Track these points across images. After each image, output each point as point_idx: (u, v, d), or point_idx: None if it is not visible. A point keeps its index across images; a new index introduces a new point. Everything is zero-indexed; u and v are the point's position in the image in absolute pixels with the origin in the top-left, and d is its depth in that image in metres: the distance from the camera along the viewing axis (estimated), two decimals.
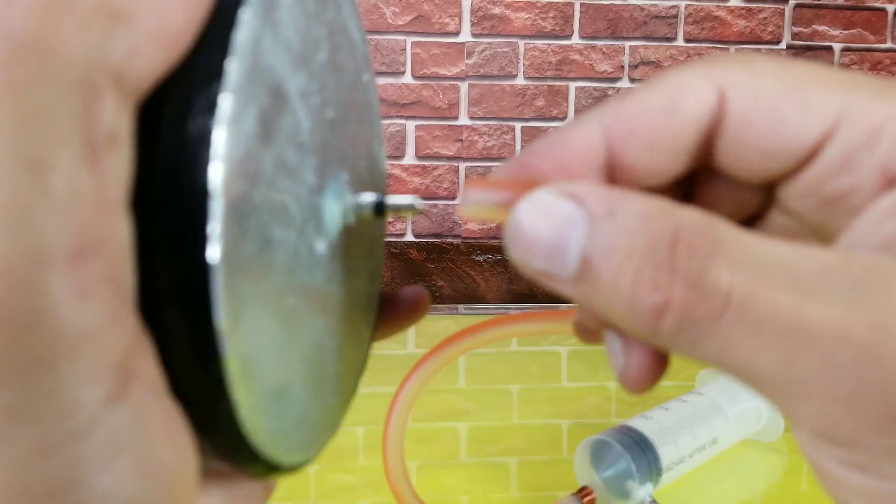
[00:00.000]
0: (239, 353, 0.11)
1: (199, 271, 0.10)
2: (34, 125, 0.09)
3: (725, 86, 0.14)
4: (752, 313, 0.11)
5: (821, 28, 0.97)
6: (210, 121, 0.10)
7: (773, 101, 0.14)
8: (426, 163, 0.94)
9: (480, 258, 0.91)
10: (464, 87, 0.93)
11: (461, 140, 0.94)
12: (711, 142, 0.15)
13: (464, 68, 0.93)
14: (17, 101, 0.09)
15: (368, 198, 0.16)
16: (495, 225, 0.86)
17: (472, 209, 0.14)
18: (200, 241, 0.10)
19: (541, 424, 0.49)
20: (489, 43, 0.93)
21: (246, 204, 0.11)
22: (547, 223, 0.12)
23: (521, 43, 0.93)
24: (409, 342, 0.63)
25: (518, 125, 0.95)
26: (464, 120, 0.94)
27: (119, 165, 0.10)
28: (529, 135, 0.95)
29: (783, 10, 0.96)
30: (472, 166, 0.95)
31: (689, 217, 0.12)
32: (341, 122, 0.16)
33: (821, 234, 0.15)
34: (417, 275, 0.90)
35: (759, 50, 0.96)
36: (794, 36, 0.96)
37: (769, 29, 0.96)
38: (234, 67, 0.11)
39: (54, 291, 0.09)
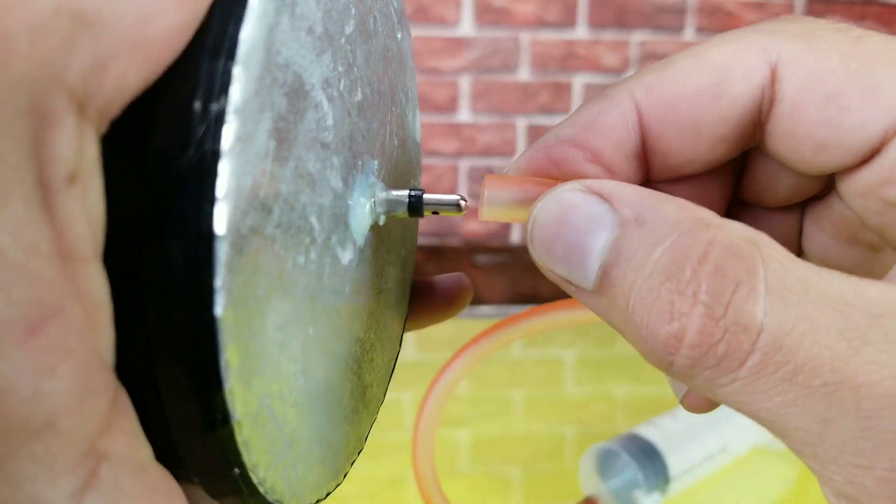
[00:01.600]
0: (250, 413, 0.10)
1: (203, 329, 0.09)
2: None
3: (780, 62, 0.12)
4: (786, 358, 0.09)
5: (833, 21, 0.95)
6: (211, 146, 0.08)
7: (834, 86, 0.12)
8: (425, 160, 0.92)
9: (481, 259, 0.90)
10: (464, 81, 0.92)
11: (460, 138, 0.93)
12: (761, 126, 0.13)
13: (464, 62, 0.91)
14: None
15: (403, 194, 0.14)
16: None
17: (492, 210, 0.12)
18: (203, 294, 0.08)
19: (544, 432, 0.48)
20: (491, 36, 0.91)
21: (257, 240, 0.09)
22: (570, 222, 0.11)
23: (525, 36, 0.92)
24: (409, 346, 0.62)
25: (521, 121, 0.93)
26: (464, 115, 0.93)
27: (84, 206, 0.08)
28: (532, 131, 0.94)
29: (793, 2, 0.94)
30: (473, 165, 0.94)
31: (728, 233, 0.10)
32: (371, 101, 0.14)
33: (884, 237, 0.13)
34: (417, 276, 0.88)
35: None
36: None
37: None
38: (241, 74, 0.09)
39: (7, 372, 0.07)
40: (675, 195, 0.12)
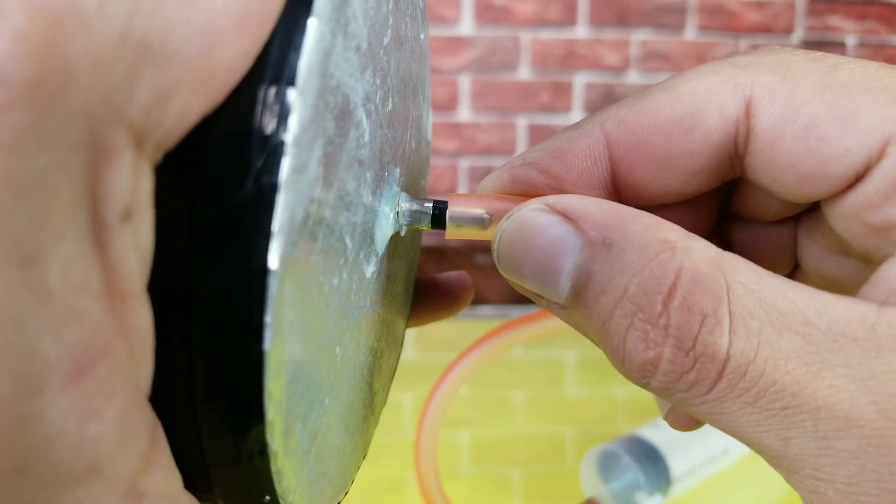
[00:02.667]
0: (285, 444, 0.09)
1: (248, 365, 0.08)
2: (24, 204, 0.07)
3: (753, 95, 0.12)
4: (749, 384, 0.10)
5: (834, 21, 0.95)
6: (269, 179, 0.08)
7: (811, 116, 0.11)
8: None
9: (482, 260, 0.90)
10: (464, 80, 0.92)
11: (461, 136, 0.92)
12: (740, 159, 0.13)
13: (464, 62, 0.91)
14: (1, 170, 0.06)
15: (426, 207, 0.13)
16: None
17: (455, 230, 0.13)
18: (254, 330, 0.08)
19: (545, 433, 0.48)
20: (491, 35, 0.91)
21: (303, 269, 0.09)
22: (536, 244, 0.11)
23: (525, 35, 0.91)
24: (408, 347, 0.61)
25: (521, 121, 0.93)
26: (464, 115, 0.92)
27: (135, 243, 0.08)
28: (533, 130, 0.93)
29: (795, 1, 0.94)
30: (473, 165, 0.93)
31: (693, 259, 0.10)
32: (399, 109, 0.14)
33: (869, 259, 0.13)
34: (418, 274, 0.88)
35: (769, 44, 0.94)
36: (807, 29, 0.95)
37: (781, 22, 0.94)
38: (298, 103, 0.08)
39: (53, 418, 0.07)
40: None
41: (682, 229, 0.11)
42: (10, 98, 0.06)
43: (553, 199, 0.12)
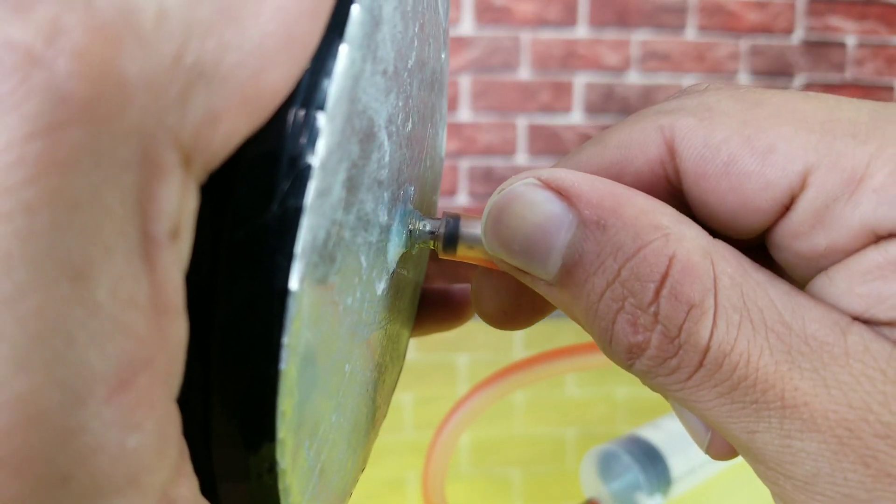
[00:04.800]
0: (294, 462, 0.10)
1: (264, 384, 0.09)
2: (76, 218, 0.07)
3: (674, 137, 0.12)
4: (725, 376, 0.10)
5: (834, 21, 0.95)
6: (295, 202, 0.08)
7: (730, 154, 0.11)
8: None
9: None
10: (464, 80, 0.92)
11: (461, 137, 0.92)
12: (680, 196, 0.13)
13: (464, 62, 0.91)
14: (56, 186, 0.06)
15: (437, 227, 0.13)
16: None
17: (465, 250, 0.13)
18: (271, 350, 0.08)
19: (545, 434, 0.48)
20: (491, 35, 0.91)
21: (321, 291, 0.09)
22: (528, 220, 0.11)
23: (525, 35, 0.91)
24: (409, 347, 0.61)
25: (521, 121, 0.93)
26: (464, 115, 0.92)
27: (179, 259, 0.08)
28: (533, 130, 0.93)
29: (795, 2, 0.94)
30: (474, 165, 0.93)
31: (686, 247, 0.11)
32: (418, 129, 0.14)
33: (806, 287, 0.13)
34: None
35: (769, 44, 0.94)
36: (808, 29, 0.95)
37: (781, 22, 0.94)
38: (327, 127, 0.08)
39: (96, 429, 0.07)
40: None
41: (676, 212, 0.11)
42: (69, 115, 0.07)
43: (546, 173, 0.12)
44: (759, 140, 0.11)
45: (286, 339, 0.08)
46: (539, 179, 0.11)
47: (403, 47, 0.11)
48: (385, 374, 0.15)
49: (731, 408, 0.11)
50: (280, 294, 0.08)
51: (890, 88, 0.98)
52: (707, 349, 0.10)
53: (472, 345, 0.65)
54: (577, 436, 0.48)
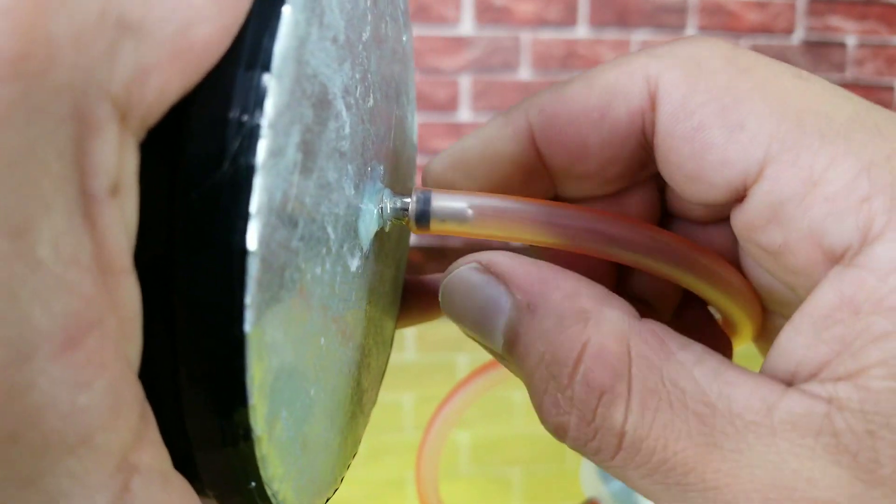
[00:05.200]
0: (269, 428, 0.09)
1: (229, 347, 0.08)
2: (12, 175, 0.07)
3: (659, 89, 0.12)
4: (643, 459, 0.11)
5: (834, 21, 0.95)
6: (246, 161, 0.08)
7: (701, 119, 0.11)
8: (426, 160, 0.92)
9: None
10: (464, 81, 0.92)
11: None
12: (650, 149, 0.13)
13: (464, 62, 0.91)
14: None
15: (408, 201, 0.13)
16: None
17: (437, 224, 0.13)
18: (232, 312, 0.08)
19: (545, 433, 0.48)
20: (491, 35, 0.91)
21: (283, 255, 0.09)
22: (472, 302, 0.12)
23: (525, 35, 0.91)
24: (408, 347, 0.62)
25: None
26: (464, 115, 0.92)
27: (123, 217, 0.08)
28: None
29: (795, 2, 0.94)
30: None
31: (602, 333, 0.11)
32: (381, 107, 0.14)
33: (774, 278, 0.12)
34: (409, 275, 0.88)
35: (769, 44, 0.94)
36: (808, 29, 0.95)
37: (781, 22, 0.94)
38: (275, 87, 0.08)
39: (44, 386, 0.07)
40: (600, 209, 0.13)
41: (603, 292, 0.12)
42: None
43: (486, 257, 0.12)
44: (732, 112, 0.11)
45: (249, 300, 0.08)
46: (480, 263, 0.12)
47: (355, 18, 0.12)
48: (370, 357, 0.15)
49: (656, 487, 0.11)
50: (239, 253, 0.08)
51: (890, 88, 0.98)
52: (623, 433, 0.11)
53: (472, 345, 0.64)
54: None
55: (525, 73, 0.92)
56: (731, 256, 0.14)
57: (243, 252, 0.08)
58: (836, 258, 0.10)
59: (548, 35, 0.92)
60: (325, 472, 0.13)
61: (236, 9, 0.08)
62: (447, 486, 0.41)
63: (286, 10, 0.09)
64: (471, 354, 0.65)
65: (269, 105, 0.08)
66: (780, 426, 0.10)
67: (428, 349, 0.61)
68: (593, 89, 0.13)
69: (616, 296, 0.12)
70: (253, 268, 0.08)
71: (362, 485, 0.40)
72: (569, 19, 0.92)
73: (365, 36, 0.12)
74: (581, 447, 0.11)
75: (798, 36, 0.95)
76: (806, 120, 0.11)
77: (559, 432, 0.11)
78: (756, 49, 0.83)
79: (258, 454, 0.09)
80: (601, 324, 0.11)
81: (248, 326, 0.08)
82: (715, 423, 0.10)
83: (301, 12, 0.09)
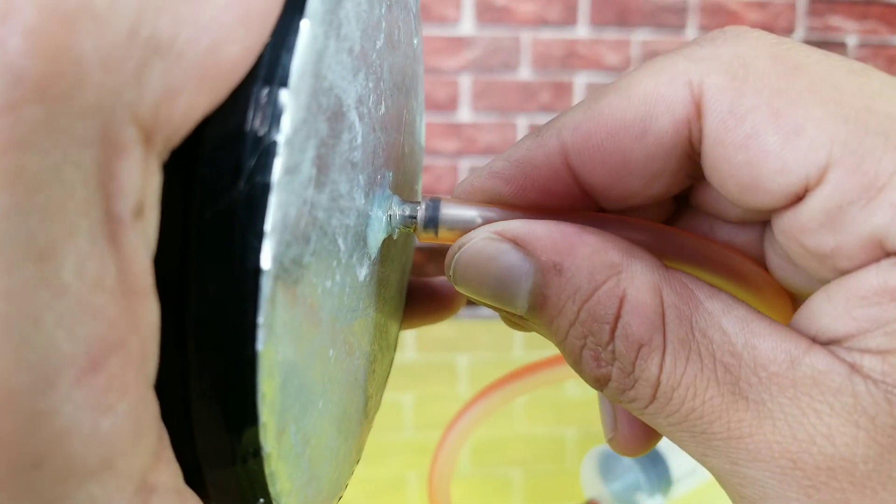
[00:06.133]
0: (278, 444, 0.09)
1: (242, 366, 0.08)
2: (38, 200, 0.07)
3: (703, 95, 0.11)
4: (674, 409, 0.11)
5: (835, 21, 0.95)
6: (262, 179, 0.08)
7: (755, 125, 0.11)
8: (425, 161, 0.92)
9: None
10: (465, 80, 0.92)
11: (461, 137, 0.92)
12: (696, 158, 0.12)
13: (464, 62, 0.91)
14: (15, 166, 0.06)
15: (417, 210, 0.13)
16: None
17: (445, 232, 0.13)
18: (245, 331, 0.08)
19: (546, 434, 0.48)
20: (492, 35, 0.91)
21: (296, 271, 0.09)
22: (491, 273, 0.12)
23: (525, 35, 0.91)
24: (408, 347, 0.62)
25: (522, 121, 0.93)
26: (465, 115, 0.92)
27: (146, 238, 0.08)
28: (534, 131, 0.93)
29: (796, 2, 0.94)
30: (474, 165, 0.93)
31: (636, 287, 0.11)
32: (391, 113, 0.14)
33: (811, 278, 0.13)
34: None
35: None
36: (809, 29, 0.95)
37: (782, 22, 0.94)
38: (291, 104, 0.08)
39: (68, 412, 0.07)
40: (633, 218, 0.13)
41: (627, 245, 0.12)
42: (23, 94, 0.06)
43: (501, 226, 0.12)
44: (787, 117, 0.11)
45: (261, 319, 0.08)
46: (495, 233, 0.12)
47: (370, 27, 0.11)
48: (375, 363, 0.15)
49: (684, 435, 0.11)
50: (252, 273, 0.08)
51: None
52: (658, 384, 0.11)
53: (472, 345, 0.64)
54: (577, 436, 0.48)
55: (525, 73, 0.92)
56: (758, 255, 0.14)
57: (257, 271, 0.08)
58: (891, 256, 0.10)
59: (548, 35, 0.92)
60: (331, 481, 0.13)
61: (262, 29, 0.08)
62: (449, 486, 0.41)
63: (304, 24, 0.09)
64: (471, 354, 0.65)
65: (286, 122, 0.08)
66: (802, 380, 0.10)
67: (428, 349, 0.61)
68: (631, 101, 0.12)
69: (639, 248, 0.12)
70: (266, 287, 0.08)
71: (362, 485, 0.40)
72: (569, 19, 0.91)
73: (379, 44, 0.12)
74: (618, 396, 0.12)
75: (798, 36, 0.95)
76: (867, 121, 0.10)
77: (599, 383, 0.12)
78: None
79: (267, 471, 0.09)
80: (635, 276, 0.11)
81: (260, 345, 0.08)
82: (741, 373, 0.11)
83: (319, 26, 0.09)
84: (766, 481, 0.10)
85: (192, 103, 0.08)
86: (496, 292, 0.12)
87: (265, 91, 0.08)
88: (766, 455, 0.10)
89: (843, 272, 0.11)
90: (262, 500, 0.10)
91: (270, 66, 0.08)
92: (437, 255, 0.89)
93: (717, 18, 0.93)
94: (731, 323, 0.11)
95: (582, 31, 0.92)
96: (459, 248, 0.12)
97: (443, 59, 0.91)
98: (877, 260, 0.10)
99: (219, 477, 0.09)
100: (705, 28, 0.93)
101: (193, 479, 0.09)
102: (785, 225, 0.12)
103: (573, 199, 0.13)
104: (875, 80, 0.11)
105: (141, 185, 0.08)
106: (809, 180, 0.11)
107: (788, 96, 0.11)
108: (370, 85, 0.12)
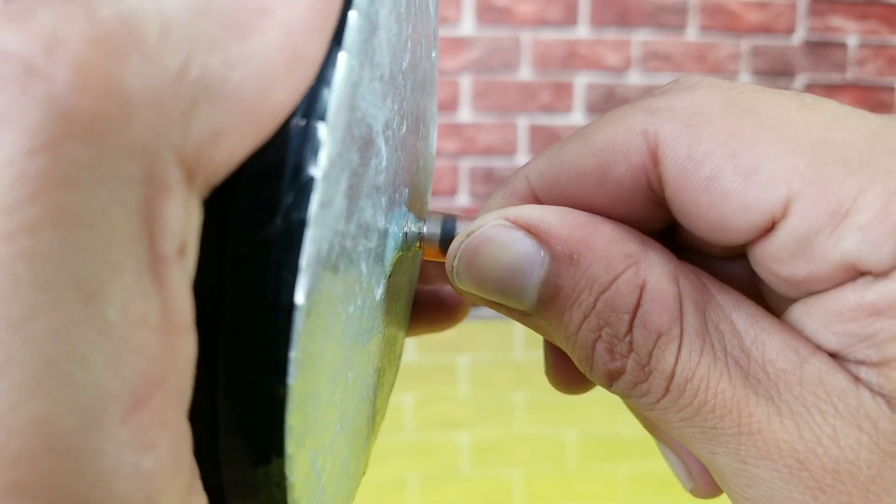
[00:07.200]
0: (302, 474, 0.09)
1: (272, 399, 0.08)
2: (83, 239, 0.07)
3: (659, 143, 0.12)
4: (686, 402, 0.11)
5: (835, 21, 0.95)
6: (299, 215, 0.08)
7: (712, 169, 0.11)
8: None
9: None
10: (465, 81, 0.92)
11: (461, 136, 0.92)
12: (663, 202, 0.12)
13: (465, 62, 0.91)
14: (58, 203, 0.06)
15: (433, 228, 0.13)
16: None
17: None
18: (279, 366, 0.08)
19: (546, 434, 0.48)
20: (492, 35, 0.91)
21: (325, 303, 0.09)
22: (502, 261, 0.12)
23: (526, 35, 0.91)
24: (409, 347, 0.61)
25: (522, 121, 0.93)
26: (465, 115, 0.92)
27: (186, 276, 0.08)
28: (534, 131, 0.93)
29: (796, 2, 0.94)
30: (474, 165, 0.93)
31: (656, 276, 0.11)
32: (411, 130, 0.14)
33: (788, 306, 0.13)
34: (418, 278, 0.88)
35: (770, 45, 0.94)
36: (809, 29, 0.95)
37: (782, 22, 0.94)
38: (328, 137, 0.08)
39: (112, 451, 0.07)
40: None
41: (641, 236, 0.12)
42: (70, 130, 0.06)
43: (513, 212, 0.12)
44: (744, 157, 0.11)
45: (293, 354, 0.08)
46: (507, 220, 0.12)
47: (398, 50, 0.11)
48: (384, 377, 0.15)
49: (693, 430, 0.11)
50: (286, 309, 0.08)
51: (891, 89, 0.98)
52: (672, 375, 0.11)
53: (472, 345, 0.64)
54: (577, 436, 0.48)
55: (525, 74, 0.92)
56: (750, 286, 0.14)
57: (291, 307, 0.08)
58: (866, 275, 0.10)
59: (548, 35, 0.92)
60: (342, 496, 0.13)
61: (311, 70, 0.08)
62: (447, 486, 0.41)
63: (342, 58, 0.09)
64: (471, 354, 0.65)
65: (324, 156, 0.08)
66: (809, 379, 0.10)
67: (428, 349, 0.61)
68: (591, 149, 0.12)
69: (651, 239, 0.12)
70: (299, 322, 0.08)
71: (362, 485, 0.40)
72: (569, 19, 0.91)
73: (404, 65, 0.12)
74: (631, 390, 0.11)
75: (799, 36, 0.95)
76: (824, 152, 0.11)
77: (612, 377, 0.11)
78: (757, 50, 0.83)
79: (290, 499, 0.09)
80: (654, 266, 0.11)
81: (290, 380, 0.08)
82: (750, 368, 0.11)
83: (356, 58, 0.09)
84: (773, 481, 0.10)
85: (236, 144, 0.08)
86: (504, 285, 0.12)
87: (303, 125, 0.08)
88: (775, 453, 0.10)
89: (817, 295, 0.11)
90: None
91: (309, 101, 0.08)
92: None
93: (718, 19, 0.93)
94: (742, 318, 0.11)
95: (582, 31, 0.92)
96: (468, 235, 0.12)
97: (443, 60, 0.91)
98: (852, 279, 0.11)
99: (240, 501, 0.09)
100: (705, 28, 0.93)
101: None
102: (758, 256, 0.12)
103: None
104: (827, 112, 0.11)
105: (184, 225, 0.08)
106: (774, 214, 0.11)
107: (743, 138, 0.11)
108: (395, 108, 0.12)
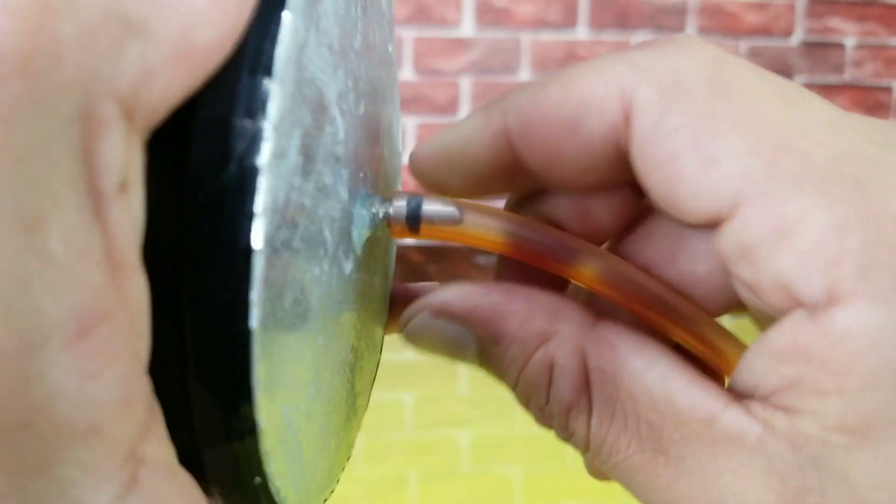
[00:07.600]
0: (274, 424, 0.10)
1: (236, 343, 0.09)
2: (24, 171, 0.07)
3: (633, 106, 0.12)
4: (602, 461, 0.12)
5: (833, 23, 0.95)
6: (251, 162, 0.09)
7: (674, 147, 0.11)
8: None
9: (482, 260, 0.90)
10: (465, 82, 0.92)
11: None
12: (626, 158, 0.12)
13: (465, 63, 0.91)
14: (0, 138, 0.07)
15: (400, 206, 0.14)
16: None
17: (427, 227, 0.14)
18: (239, 308, 0.09)
19: (545, 433, 0.48)
20: (492, 37, 0.91)
21: (286, 254, 0.10)
22: (438, 346, 0.13)
23: (525, 36, 0.92)
24: (409, 347, 0.61)
25: None
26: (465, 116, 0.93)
27: (130, 214, 0.08)
28: None
29: (794, 3, 0.94)
30: None
31: (563, 352, 0.12)
32: (370, 114, 0.14)
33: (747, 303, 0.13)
34: (418, 278, 0.88)
35: (769, 45, 0.95)
36: (807, 30, 0.95)
37: (781, 23, 0.95)
38: (277, 91, 0.09)
39: (55, 375, 0.07)
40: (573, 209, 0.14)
41: (556, 304, 0.13)
42: (6, 70, 0.07)
43: (437, 300, 0.13)
44: (706, 143, 0.11)
45: (254, 296, 0.09)
46: (430, 312, 0.13)
47: (347, 26, 0.12)
48: (362, 360, 0.16)
49: (620, 480, 0.12)
50: (245, 252, 0.09)
51: (889, 90, 0.98)
52: (587, 440, 0.12)
53: None
54: None
55: (525, 75, 0.93)
56: (721, 281, 0.14)
57: (249, 250, 0.08)
58: (801, 305, 0.11)
59: (548, 36, 0.92)
60: (322, 472, 0.13)
61: (238, 14, 0.09)
62: (447, 484, 0.41)
63: (286, 16, 0.09)
64: None
65: (273, 108, 0.09)
66: (719, 439, 0.11)
67: None
68: (569, 97, 0.12)
69: (568, 303, 0.13)
70: (258, 266, 0.09)
71: (362, 483, 0.40)
72: (569, 21, 0.92)
73: (356, 44, 0.13)
74: (563, 441, 0.13)
75: (797, 37, 0.95)
76: (783, 160, 0.10)
77: (545, 427, 0.13)
78: (755, 51, 0.83)
79: (263, 449, 0.10)
80: (561, 343, 0.12)
81: (254, 322, 0.09)
82: (663, 429, 0.11)
83: (300, 18, 0.09)
84: None
85: (169, 84, 0.08)
86: (450, 355, 0.13)
87: (251, 78, 0.09)
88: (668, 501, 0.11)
89: (765, 301, 0.11)
90: (258, 480, 0.10)
91: (255, 54, 0.09)
92: (437, 255, 0.89)
93: (717, 20, 0.94)
94: (655, 379, 0.12)
95: (582, 32, 0.92)
96: (408, 320, 0.14)
97: (443, 61, 0.91)
98: (790, 307, 0.11)
99: (216, 456, 0.10)
100: (704, 29, 0.93)
101: (191, 461, 0.10)
102: (715, 242, 0.12)
103: (516, 178, 0.14)
104: (805, 113, 0.11)
105: (124, 161, 0.08)
106: (721, 212, 0.11)
107: (711, 121, 0.11)
108: (349, 83, 0.12)
